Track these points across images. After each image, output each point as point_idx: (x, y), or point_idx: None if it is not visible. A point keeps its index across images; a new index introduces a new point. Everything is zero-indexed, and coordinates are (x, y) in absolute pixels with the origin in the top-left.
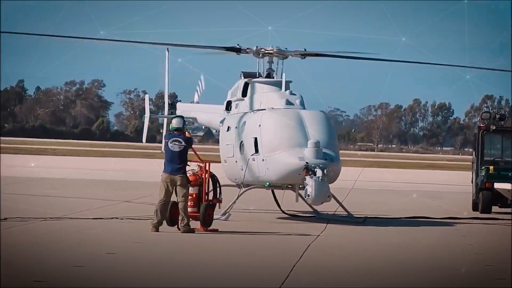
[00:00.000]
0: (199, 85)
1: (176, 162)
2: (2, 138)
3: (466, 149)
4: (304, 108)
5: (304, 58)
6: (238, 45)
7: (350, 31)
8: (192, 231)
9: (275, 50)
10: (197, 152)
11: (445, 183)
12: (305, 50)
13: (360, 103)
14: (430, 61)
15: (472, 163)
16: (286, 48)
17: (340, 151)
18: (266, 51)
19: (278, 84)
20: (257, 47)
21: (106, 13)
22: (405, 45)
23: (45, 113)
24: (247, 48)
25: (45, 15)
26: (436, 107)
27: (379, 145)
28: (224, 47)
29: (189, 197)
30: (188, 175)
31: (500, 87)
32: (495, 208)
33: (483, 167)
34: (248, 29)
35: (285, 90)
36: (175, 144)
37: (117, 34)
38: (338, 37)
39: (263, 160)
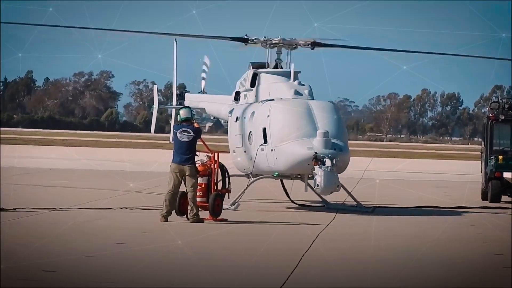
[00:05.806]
0: (204, 69)
1: (185, 152)
2: (11, 129)
3: (475, 139)
4: (312, 99)
5: (313, 48)
6: (246, 35)
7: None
8: (201, 221)
9: (282, 40)
10: (206, 143)
11: (454, 172)
12: (314, 40)
13: (369, 93)
14: (440, 51)
15: (481, 152)
16: (294, 38)
17: (349, 141)
18: (274, 42)
19: (286, 75)
20: (264, 37)
21: (116, 7)
22: (415, 36)
23: (54, 104)
24: (255, 39)
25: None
26: (445, 97)
27: (388, 135)
28: (232, 38)
29: (198, 187)
30: (197, 165)
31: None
32: (504, 197)
33: (492, 157)
34: (256, 20)
35: (294, 80)
36: (183, 134)
37: (127, 26)
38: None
39: (272, 150)
